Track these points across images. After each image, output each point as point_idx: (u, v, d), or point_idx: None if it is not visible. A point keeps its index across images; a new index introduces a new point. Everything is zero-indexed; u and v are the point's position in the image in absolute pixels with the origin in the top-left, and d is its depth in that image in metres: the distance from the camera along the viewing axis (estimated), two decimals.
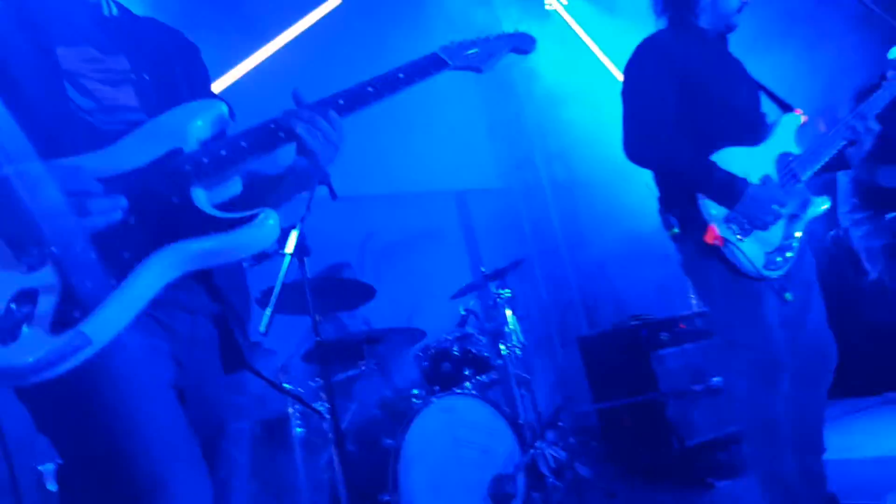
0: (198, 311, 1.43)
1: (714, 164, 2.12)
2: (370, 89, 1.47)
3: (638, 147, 2.18)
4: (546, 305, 6.10)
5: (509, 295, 3.96)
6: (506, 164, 6.25)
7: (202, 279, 1.43)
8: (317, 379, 3.43)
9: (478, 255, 5.92)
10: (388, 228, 5.15)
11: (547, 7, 6.24)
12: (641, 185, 5.35)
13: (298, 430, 3.40)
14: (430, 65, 1.53)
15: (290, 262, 2.95)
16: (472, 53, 1.58)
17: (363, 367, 3.68)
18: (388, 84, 1.48)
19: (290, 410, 3.41)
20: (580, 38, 6.04)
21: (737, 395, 2.20)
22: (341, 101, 1.44)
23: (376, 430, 3.34)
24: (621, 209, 5.84)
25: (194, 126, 1.39)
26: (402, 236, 5.29)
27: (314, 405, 3.34)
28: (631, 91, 2.25)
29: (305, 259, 3.01)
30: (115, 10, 1.54)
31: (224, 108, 1.46)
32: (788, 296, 2.12)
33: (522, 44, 1.67)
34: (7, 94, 1.28)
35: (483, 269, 4.20)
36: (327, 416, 3.10)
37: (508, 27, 1.68)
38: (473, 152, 5.69)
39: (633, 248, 6.16)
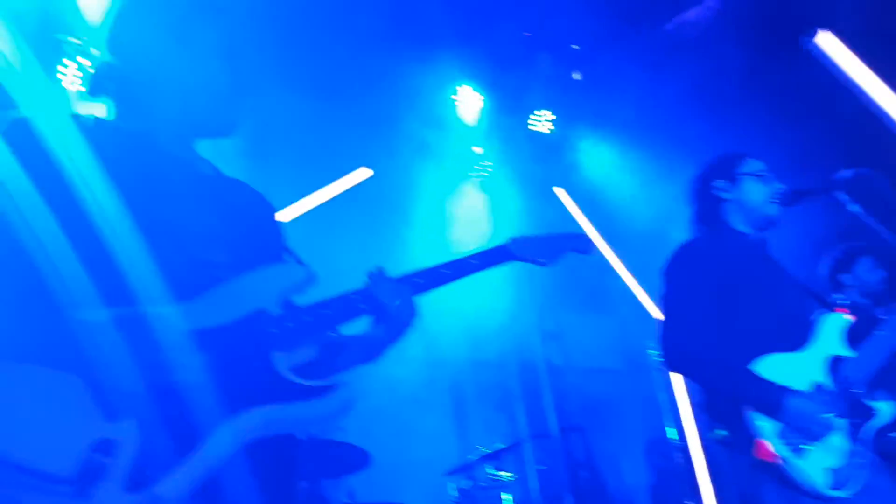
0: None
1: (752, 373, 2.05)
2: (446, 271, 1.57)
3: (675, 357, 2.16)
4: (534, 495, 5.84)
5: (511, 478, 3.81)
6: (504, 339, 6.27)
7: None
8: None
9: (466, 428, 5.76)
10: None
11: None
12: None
13: None
14: (501, 255, 1.67)
15: None
16: (537, 248, 1.72)
17: None
18: (462, 268, 1.59)
19: None
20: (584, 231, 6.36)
21: None
22: (419, 280, 1.52)
23: None
24: (626, 400, 5.82)
25: (278, 288, 1.42)
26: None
27: None
28: (667, 299, 2.27)
29: None
30: (208, 169, 1.62)
31: (307, 273, 1.49)
32: None
33: (581, 245, 1.80)
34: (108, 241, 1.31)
35: (482, 448, 4.07)
36: None
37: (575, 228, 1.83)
38: None
39: (632, 442, 6.07)
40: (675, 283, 2.30)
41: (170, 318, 1.27)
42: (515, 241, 1.69)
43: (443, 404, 5.67)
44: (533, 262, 1.70)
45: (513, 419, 6.02)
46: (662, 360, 2.21)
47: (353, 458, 3.63)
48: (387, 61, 4.94)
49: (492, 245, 1.67)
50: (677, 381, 5.70)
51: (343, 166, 4.90)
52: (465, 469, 4.08)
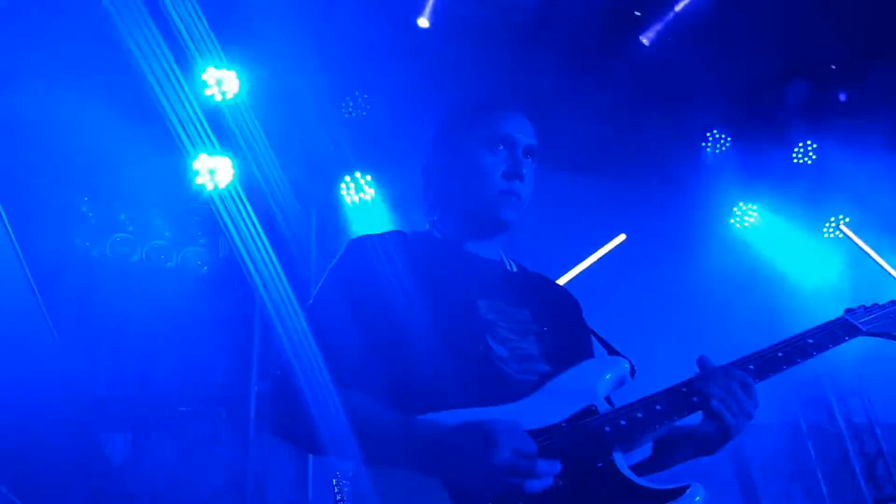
0: None
1: None
2: (780, 354, 1.43)
3: None
4: None
5: None
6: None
7: None
8: None
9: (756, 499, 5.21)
10: None
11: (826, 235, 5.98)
12: None
13: None
14: (841, 330, 1.49)
15: None
16: (883, 319, 1.52)
17: None
18: (798, 350, 1.44)
19: None
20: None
21: None
22: (751, 367, 1.41)
23: None
24: None
25: (602, 382, 1.42)
26: None
27: None
28: None
29: None
30: (514, 267, 1.70)
31: (627, 366, 1.47)
32: None
33: None
34: (436, 341, 1.41)
35: None
36: None
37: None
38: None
39: None
40: None
41: (506, 418, 1.31)
42: (853, 313, 1.51)
43: (733, 476, 5.20)
44: (884, 335, 1.50)
45: (815, 490, 5.32)
46: None
47: None
48: (629, 123, 4.89)
49: (826, 321, 1.50)
50: None
51: (602, 233, 4.86)
52: None
